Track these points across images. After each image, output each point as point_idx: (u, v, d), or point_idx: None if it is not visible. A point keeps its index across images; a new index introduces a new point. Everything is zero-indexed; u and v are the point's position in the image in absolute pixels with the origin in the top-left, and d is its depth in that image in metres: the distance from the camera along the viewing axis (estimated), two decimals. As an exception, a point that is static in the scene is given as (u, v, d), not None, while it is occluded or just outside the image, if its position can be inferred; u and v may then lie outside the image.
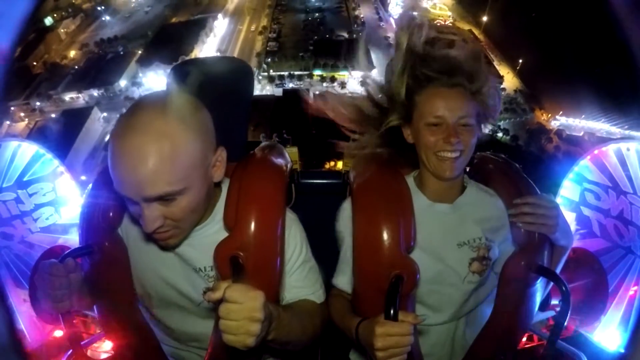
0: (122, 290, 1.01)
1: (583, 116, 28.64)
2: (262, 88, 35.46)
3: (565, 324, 0.99)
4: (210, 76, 1.03)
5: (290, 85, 35.94)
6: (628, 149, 1.38)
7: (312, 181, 1.50)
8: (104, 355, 1.13)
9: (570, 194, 1.57)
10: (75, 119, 29.44)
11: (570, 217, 1.55)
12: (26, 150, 1.45)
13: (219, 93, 0.92)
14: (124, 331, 1.03)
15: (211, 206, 0.93)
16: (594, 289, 1.35)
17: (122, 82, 34.31)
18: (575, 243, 1.49)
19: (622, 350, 1.22)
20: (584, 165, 1.52)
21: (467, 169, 1.11)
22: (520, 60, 34.56)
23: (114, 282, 0.99)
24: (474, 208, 1.03)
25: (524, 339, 1.30)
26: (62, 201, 1.52)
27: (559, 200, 1.58)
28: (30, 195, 1.46)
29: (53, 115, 31.04)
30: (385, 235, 0.92)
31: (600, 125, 27.84)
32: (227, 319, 0.66)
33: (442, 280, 1.01)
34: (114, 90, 33.69)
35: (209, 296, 0.68)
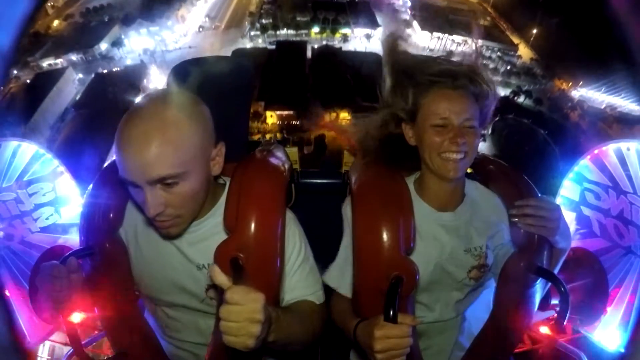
0: (123, 290, 1.01)
1: (603, 89, 26.61)
2: (253, 45, 32.50)
3: (565, 324, 0.99)
4: (210, 76, 1.04)
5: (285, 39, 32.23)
6: (628, 149, 1.39)
7: (312, 181, 1.50)
8: (104, 355, 1.13)
9: (570, 194, 1.57)
10: (47, 81, 26.72)
11: (570, 217, 1.55)
12: (26, 150, 1.45)
13: (219, 92, 0.92)
14: (124, 331, 1.03)
15: (213, 202, 0.94)
16: (594, 289, 1.35)
17: (103, 45, 31.43)
18: (575, 243, 1.49)
19: (622, 350, 1.22)
20: (584, 165, 1.52)
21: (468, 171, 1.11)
22: (534, 31, 32.80)
23: (115, 282, 0.99)
24: (475, 215, 1.04)
25: (524, 339, 1.30)
26: (62, 201, 1.52)
27: (558, 200, 1.58)
28: (30, 195, 1.46)
29: (28, 81, 28.54)
30: (385, 236, 0.92)
31: (621, 102, 25.94)
32: (227, 320, 0.67)
33: (439, 284, 1.02)
34: (93, 54, 30.89)
35: (213, 272, 0.69)
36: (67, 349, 1.09)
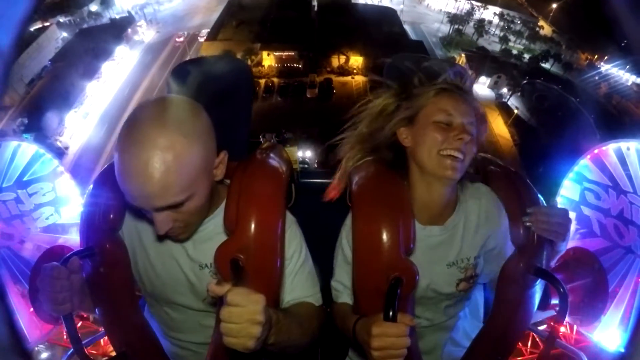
0: (123, 291, 1.01)
1: (628, 67, 25.08)
2: None
3: (564, 324, 0.99)
4: (210, 76, 1.04)
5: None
6: (628, 148, 1.38)
7: (312, 181, 1.50)
8: (104, 355, 1.13)
9: (570, 194, 1.56)
10: (28, 38, 24.41)
11: (570, 217, 1.55)
12: (26, 150, 1.45)
13: (219, 92, 0.92)
14: (124, 331, 1.04)
15: (216, 203, 0.95)
16: (594, 289, 1.35)
17: (93, 7, 30.70)
18: (575, 243, 1.49)
19: (622, 350, 1.22)
20: (584, 165, 1.52)
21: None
22: (554, 6, 31.45)
23: (115, 283, 0.99)
24: (465, 227, 1.03)
25: (524, 339, 1.30)
26: (62, 201, 1.52)
27: (558, 200, 1.58)
28: (30, 195, 1.46)
29: None
30: (384, 237, 0.92)
31: None
32: (228, 321, 0.67)
33: (427, 298, 1.03)
34: (82, 15, 30.17)
35: (211, 288, 0.70)
36: (67, 349, 1.09)
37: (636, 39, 0.55)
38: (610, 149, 1.43)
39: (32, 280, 1.32)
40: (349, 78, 23.56)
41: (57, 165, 1.52)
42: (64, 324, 0.92)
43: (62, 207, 1.53)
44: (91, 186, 1.02)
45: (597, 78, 26.11)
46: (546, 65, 26.90)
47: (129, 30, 28.08)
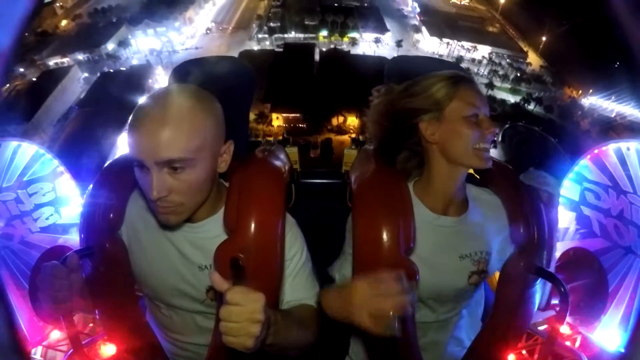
0: (123, 291, 1.01)
1: (613, 98, 26.96)
2: (261, 47, 33.20)
3: (564, 323, 0.99)
4: (211, 76, 1.04)
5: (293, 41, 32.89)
6: (628, 149, 1.38)
7: (312, 181, 1.50)
8: (104, 356, 1.13)
9: (570, 194, 1.56)
10: (51, 79, 27.37)
11: (570, 217, 1.55)
12: (26, 150, 1.45)
13: (220, 93, 0.92)
14: (124, 331, 1.03)
15: (216, 204, 0.94)
16: (594, 289, 1.35)
17: (110, 46, 31.98)
18: (575, 243, 1.49)
19: (622, 350, 1.22)
20: (584, 165, 1.52)
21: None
22: (543, 39, 33.28)
23: (115, 283, 0.99)
24: (478, 221, 1.03)
25: (524, 339, 1.30)
26: (62, 201, 1.52)
27: (559, 200, 1.58)
28: (30, 195, 1.46)
29: (34, 79, 28.90)
30: (384, 236, 0.92)
31: (631, 110, 26.13)
32: (227, 320, 0.67)
33: (438, 290, 1.01)
34: (100, 53, 31.42)
35: (214, 278, 0.69)
36: (67, 349, 1.09)
37: (636, 40, 0.55)
38: (610, 149, 1.43)
39: (32, 280, 1.32)
40: (346, 137, 26.64)
41: (57, 165, 1.52)
42: (64, 324, 0.92)
43: (62, 207, 1.53)
44: (91, 186, 1.02)
45: (579, 113, 27.92)
46: (530, 106, 28.76)
47: (150, 80, 28.90)
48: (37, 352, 1.33)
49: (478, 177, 1.13)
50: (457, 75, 0.96)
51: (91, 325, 1.30)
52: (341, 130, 26.95)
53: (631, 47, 0.55)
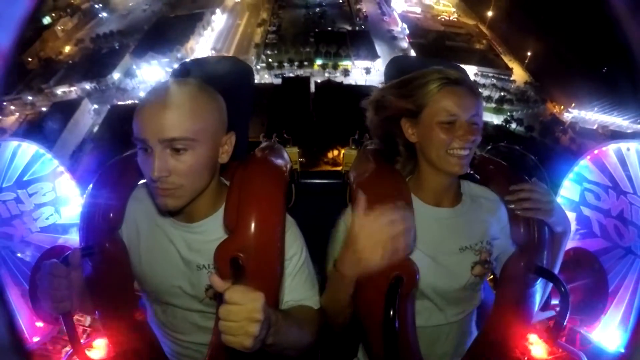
0: (123, 290, 1.01)
1: (595, 109, 28.08)
2: (260, 78, 34.78)
3: (565, 324, 0.99)
4: (211, 76, 1.03)
5: (290, 75, 35.47)
6: (628, 149, 1.38)
7: (312, 181, 1.50)
8: (104, 355, 1.13)
9: (570, 194, 1.56)
10: (64, 111, 28.79)
11: (570, 217, 1.55)
12: (26, 150, 1.45)
13: (220, 92, 0.92)
14: (124, 331, 1.03)
15: (215, 203, 0.94)
16: (594, 289, 1.35)
17: (116, 75, 33.64)
18: (575, 243, 1.49)
19: (622, 350, 1.22)
20: (584, 165, 1.52)
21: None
22: (529, 53, 34.33)
23: (115, 282, 0.99)
24: (475, 213, 1.03)
25: (524, 340, 1.30)
26: (62, 201, 1.52)
27: (559, 200, 1.58)
28: (30, 195, 1.45)
29: (44, 109, 30.43)
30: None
31: (613, 119, 27.20)
32: (227, 320, 0.66)
33: (444, 284, 1.01)
34: (106, 83, 33.09)
35: (213, 279, 0.70)
36: (67, 349, 1.09)
37: (636, 39, 0.55)
38: (610, 150, 1.43)
39: (32, 280, 1.32)
40: (339, 168, 28.41)
41: (57, 165, 1.52)
42: (63, 324, 0.92)
43: (62, 207, 1.52)
44: (91, 186, 1.02)
45: (561, 128, 29.09)
46: (513, 125, 29.91)
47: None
48: (37, 352, 1.32)
49: (478, 177, 1.13)
50: (445, 78, 0.96)
51: (90, 325, 1.29)
52: (336, 162, 28.47)
53: (631, 47, 0.55)
